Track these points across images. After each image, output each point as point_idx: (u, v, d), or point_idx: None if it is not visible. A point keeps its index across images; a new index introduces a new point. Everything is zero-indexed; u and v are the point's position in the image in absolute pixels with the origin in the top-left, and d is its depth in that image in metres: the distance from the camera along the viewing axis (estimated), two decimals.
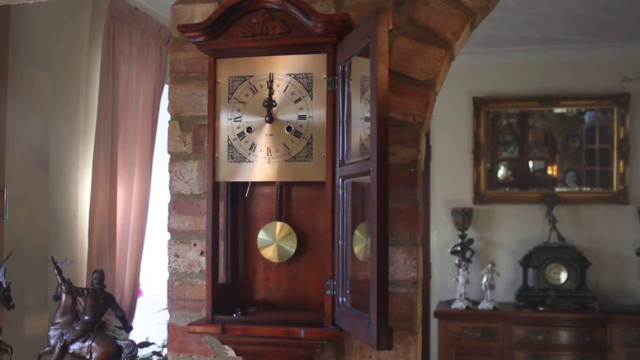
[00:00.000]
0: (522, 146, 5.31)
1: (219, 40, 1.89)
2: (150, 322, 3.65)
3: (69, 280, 2.48)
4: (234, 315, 1.88)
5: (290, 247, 1.98)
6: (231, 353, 2.02)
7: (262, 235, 1.99)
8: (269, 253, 1.98)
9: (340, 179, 1.82)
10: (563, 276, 4.93)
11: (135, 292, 3.56)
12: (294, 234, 1.98)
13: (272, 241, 1.98)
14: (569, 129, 5.24)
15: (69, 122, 3.29)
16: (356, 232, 1.82)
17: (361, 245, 1.82)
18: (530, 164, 5.32)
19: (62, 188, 3.24)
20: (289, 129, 1.88)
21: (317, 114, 1.87)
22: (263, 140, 1.90)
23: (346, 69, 1.81)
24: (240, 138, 1.91)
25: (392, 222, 1.93)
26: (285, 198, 2.01)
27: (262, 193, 2.04)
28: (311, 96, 1.87)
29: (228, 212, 2.01)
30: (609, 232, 5.10)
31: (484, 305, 4.84)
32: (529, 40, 4.99)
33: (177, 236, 2.13)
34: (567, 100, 5.21)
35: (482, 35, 4.75)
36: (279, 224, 1.99)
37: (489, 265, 4.91)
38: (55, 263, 2.48)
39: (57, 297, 2.48)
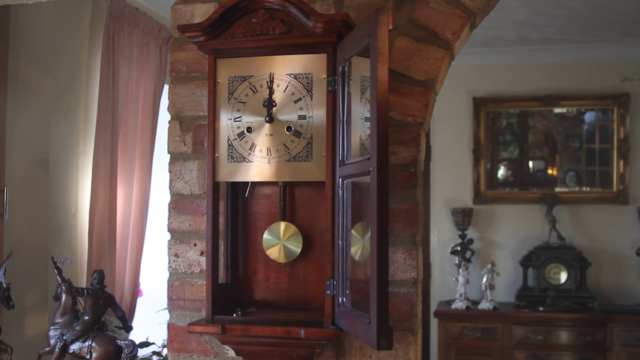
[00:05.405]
0: (522, 146, 5.31)
1: (219, 40, 1.89)
2: (150, 322, 3.65)
3: (69, 280, 2.48)
4: (234, 315, 1.88)
5: (296, 247, 1.98)
6: (231, 353, 2.02)
7: (267, 235, 1.99)
8: (275, 254, 1.98)
9: (340, 179, 1.82)
10: (563, 276, 4.93)
11: (135, 292, 3.56)
12: (299, 233, 1.98)
13: (278, 241, 1.98)
14: (569, 129, 5.24)
15: (69, 122, 3.29)
16: (353, 231, 1.82)
17: (357, 245, 1.82)
18: (530, 164, 5.32)
19: (62, 188, 3.24)
20: (289, 129, 1.88)
21: (317, 114, 1.87)
22: (263, 140, 1.90)
23: (346, 69, 1.81)
24: (240, 138, 1.91)
25: (392, 222, 1.93)
26: (289, 198, 2.01)
27: (262, 193, 2.04)
28: (311, 96, 1.87)
29: (228, 212, 2.01)
30: (609, 232, 5.10)
31: (484, 305, 4.84)
32: (529, 40, 4.99)
33: (177, 236, 2.13)
34: (567, 100, 5.21)
35: (482, 35, 4.75)
36: (283, 224, 1.99)
37: (489, 265, 4.91)
38: (55, 263, 2.48)
39: (57, 297, 2.48)
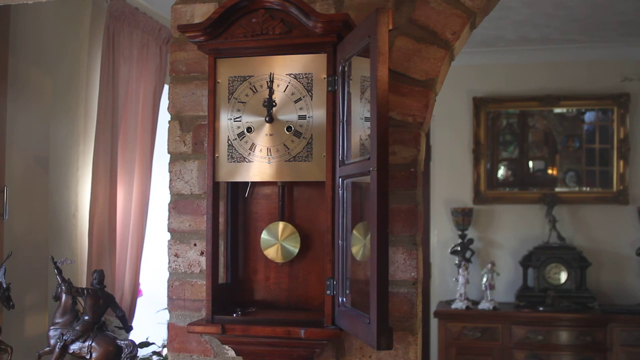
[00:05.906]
0: (522, 146, 5.31)
1: (219, 40, 1.90)
2: (150, 322, 3.65)
3: (69, 280, 2.48)
4: (234, 315, 1.88)
5: (294, 247, 1.98)
6: (231, 353, 2.02)
7: (265, 235, 1.99)
8: (272, 253, 1.98)
9: (340, 179, 1.82)
10: (563, 276, 4.93)
11: (135, 292, 3.56)
12: (297, 233, 1.98)
13: (275, 241, 1.98)
14: (569, 129, 5.24)
15: (69, 122, 3.29)
16: (354, 232, 1.82)
17: (359, 245, 1.82)
18: (530, 164, 5.32)
19: (62, 188, 3.24)
20: (289, 129, 1.88)
21: (317, 114, 1.87)
22: (263, 140, 1.90)
23: (346, 69, 1.81)
24: (240, 138, 1.91)
25: (392, 222, 1.93)
26: (287, 198, 2.01)
27: (262, 193, 2.04)
28: (311, 96, 1.87)
29: (228, 212, 2.01)
30: (609, 232, 5.10)
31: (484, 305, 4.84)
32: (529, 40, 4.99)
33: (177, 236, 2.13)
34: (567, 100, 5.21)
35: (482, 35, 4.75)
36: (281, 224, 1.99)
37: (489, 265, 4.91)
38: (55, 263, 2.48)
39: (57, 297, 2.48)
